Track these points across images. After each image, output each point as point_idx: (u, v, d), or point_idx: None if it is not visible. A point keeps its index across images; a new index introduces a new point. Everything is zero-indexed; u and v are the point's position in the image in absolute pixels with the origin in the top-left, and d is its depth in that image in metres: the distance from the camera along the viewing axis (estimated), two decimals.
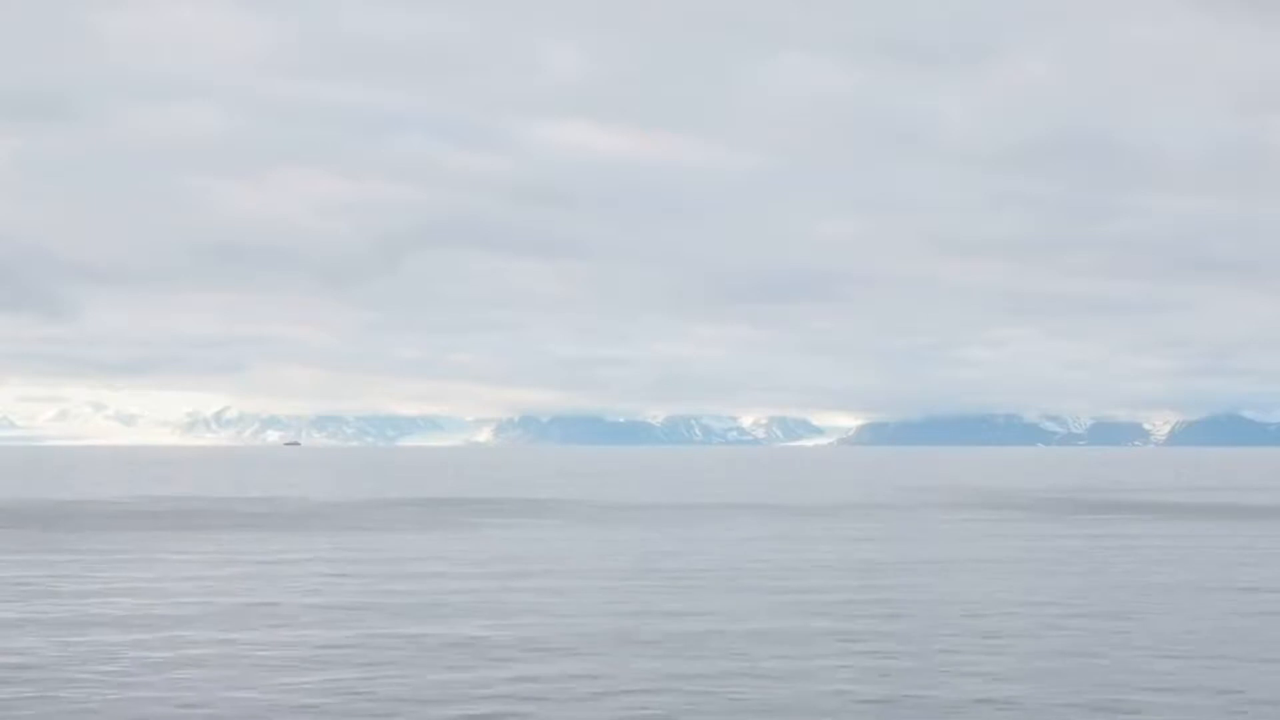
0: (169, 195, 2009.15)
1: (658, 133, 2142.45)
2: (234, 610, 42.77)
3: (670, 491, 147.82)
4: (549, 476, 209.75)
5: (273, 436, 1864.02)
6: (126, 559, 61.02)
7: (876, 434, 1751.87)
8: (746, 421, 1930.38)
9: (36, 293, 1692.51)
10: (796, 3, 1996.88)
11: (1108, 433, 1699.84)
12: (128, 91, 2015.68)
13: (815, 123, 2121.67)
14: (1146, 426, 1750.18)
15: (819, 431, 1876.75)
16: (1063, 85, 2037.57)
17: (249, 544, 69.59)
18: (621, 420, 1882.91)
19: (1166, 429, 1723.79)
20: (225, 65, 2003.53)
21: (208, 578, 52.87)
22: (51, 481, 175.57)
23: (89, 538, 73.47)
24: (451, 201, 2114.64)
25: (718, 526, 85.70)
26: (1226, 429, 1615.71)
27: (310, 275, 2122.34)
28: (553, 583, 51.18)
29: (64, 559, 60.63)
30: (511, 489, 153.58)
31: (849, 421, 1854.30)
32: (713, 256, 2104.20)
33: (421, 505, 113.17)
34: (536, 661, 33.24)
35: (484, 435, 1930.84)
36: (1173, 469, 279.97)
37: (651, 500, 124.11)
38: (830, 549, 68.01)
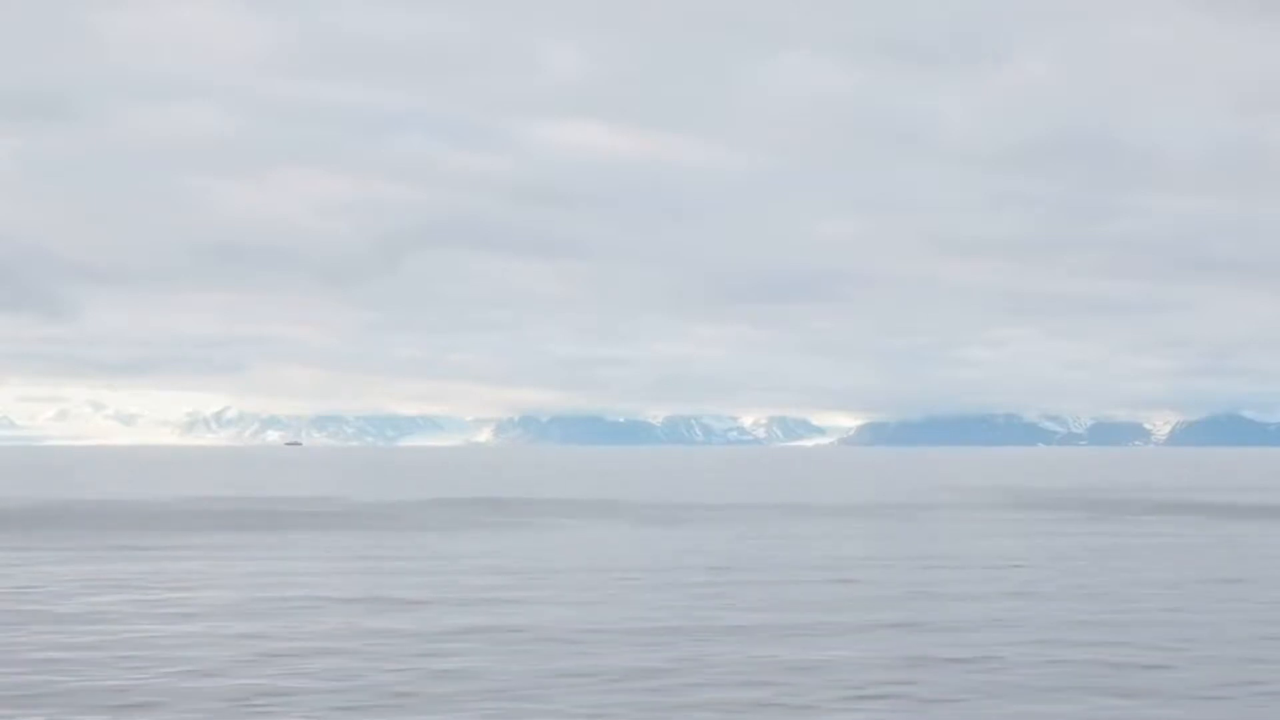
0: (169, 195, 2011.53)
1: (658, 133, 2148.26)
2: (362, 600, 46.13)
3: (708, 492, 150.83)
4: (574, 477, 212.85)
5: (273, 436, 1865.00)
6: (238, 555, 64.13)
7: (876, 434, 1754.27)
8: (747, 421, 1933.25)
9: (37, 293, 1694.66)
10: (796, 3, 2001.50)
11: (1108, 433, 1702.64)
12: (128, 91, 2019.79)
13: (815, 123, 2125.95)
14: (1147, 426, 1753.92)
15: (819, 431, 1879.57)
16: (1063, 85, 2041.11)
17: (335, 542, 72.72)
18: (621, 420, 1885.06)
19: (1167, 429, 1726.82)
20: (225, 65, 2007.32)
21: (316, 572, 56.11)
22: (88, 482, 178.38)
23: (180, 536, 76.66)
24: (451, 201, 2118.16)
25: (786, 526, 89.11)
26: (1227, 429, 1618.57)
27: (310, 275, 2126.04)
28: (660, 579, 54.62)
29: (172, 555, 63.76)
30: (547, 489, 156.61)
31: (849, 421, 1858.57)
32: (712, 256, 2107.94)
33: (471, 505, 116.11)
34: (650, 648, 36.71)
35: (484, 435, 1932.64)
36: (1189, 469, 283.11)
37: (698, 500, 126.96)
38: (918, 548, 71.52)
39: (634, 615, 43.03)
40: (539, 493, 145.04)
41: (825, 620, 42.02)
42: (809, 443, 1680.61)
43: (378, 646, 36.64)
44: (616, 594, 48.99)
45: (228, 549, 68.11)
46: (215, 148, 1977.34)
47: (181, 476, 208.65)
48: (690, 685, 31.59)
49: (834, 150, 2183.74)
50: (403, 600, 46.92)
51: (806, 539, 77.22)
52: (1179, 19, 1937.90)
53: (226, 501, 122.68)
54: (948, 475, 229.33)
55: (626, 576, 55.21)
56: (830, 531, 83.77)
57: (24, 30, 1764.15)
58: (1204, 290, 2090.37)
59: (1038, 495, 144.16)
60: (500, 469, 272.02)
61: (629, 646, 36.77)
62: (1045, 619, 42.67)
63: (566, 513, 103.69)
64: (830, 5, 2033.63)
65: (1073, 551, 69.00)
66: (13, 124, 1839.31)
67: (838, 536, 79.47)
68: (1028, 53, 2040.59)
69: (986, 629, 40.50)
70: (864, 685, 31.66)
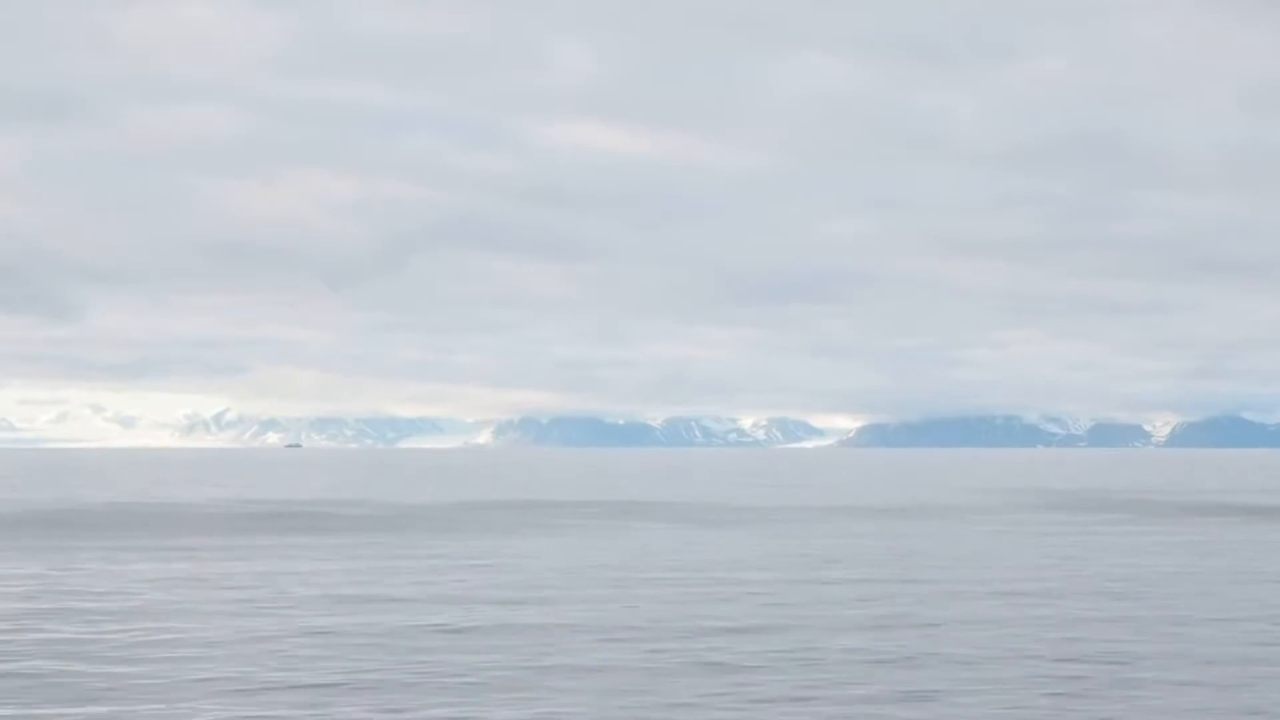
0: (176, 196, 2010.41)
1: (666, 132, 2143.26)
2: (465, 600, 47.00)
3: (732, 493, 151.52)
4: (590, 479, 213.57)
5: (272, 438, 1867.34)
6: (307, 555, 64.87)
7: (875, 435, 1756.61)
8: (746, 423, 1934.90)
9: (42, 294, 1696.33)
10: (807, 1, 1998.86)
11: (1108, 434, 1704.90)
12: (135, 91, 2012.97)
13: (825, 122, 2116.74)
14: (1146, 428, 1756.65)
15: (819, 433, 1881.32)
16: (1075, 84, 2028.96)
17: (398, 543, 73.47)
18: (621, 422, 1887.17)
19: (1167, 430, 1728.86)
20: (234, 65, 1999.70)
21: (407, 570, 56.83)
22: (107, 484, 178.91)
23: (237, 538, 77.53)
24: (458, 201, 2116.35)
25: (841, 526, 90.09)
26: (1227, 430, 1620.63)
27: (313, 276, 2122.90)
28: (764, 576, 55.54)
29: (241, 555, 64.58)
30: (571, 491, 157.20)
31: (849, 423, 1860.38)
32: (719, 257, 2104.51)
33: (505, 507, 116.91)
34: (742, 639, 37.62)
35: (484, 437, 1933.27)
36: (1198, 470, 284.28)
37: (729, 502, 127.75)
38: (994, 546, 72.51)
39: (755, 611, 43.91)
40: (565, 495, 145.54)
41: (940, 614, 42.96)
42: (809, 444, 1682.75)
43: (512, 641, 37.54)
44: (720, 592, 49.82)
45: (294, 550, 68.85)
46: (224, 148, 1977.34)
47: (199, 478, 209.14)
48: (842, 676, 32.56)
49: (844, 150, 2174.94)
50: (513, 600, 47.77)
51: (865, 538, 78.11)
52: (1190, 18, 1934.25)
53: (265, 504, 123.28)
54: (963, 477, 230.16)
55: (723, 575, 56.02)
56: (883, 531, 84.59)
57: (31, 29, 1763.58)
58: (1205, 291, 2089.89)
59: (1065, 497, 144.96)
60: (511, 471, 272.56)
61: (760, 641, 37.68)
62: (1151, 616, 43.62)
63: (607, 514, 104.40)
64: (840, 3, 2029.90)
65: (1134, 551, 69.95)
66: (19, 123, 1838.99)
67: (890, 536, 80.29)
68: (1040, 52, 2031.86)
69: (1094, 624, 41.36)
70: (996, 680, 32.62)
